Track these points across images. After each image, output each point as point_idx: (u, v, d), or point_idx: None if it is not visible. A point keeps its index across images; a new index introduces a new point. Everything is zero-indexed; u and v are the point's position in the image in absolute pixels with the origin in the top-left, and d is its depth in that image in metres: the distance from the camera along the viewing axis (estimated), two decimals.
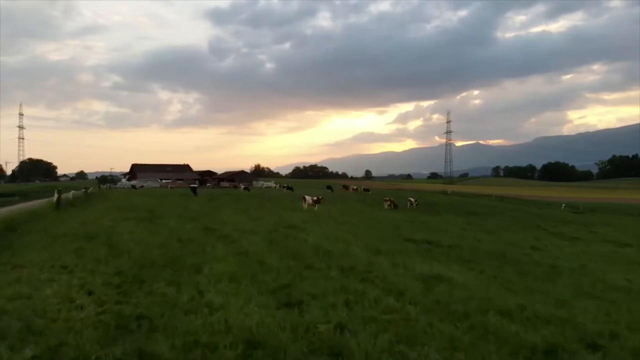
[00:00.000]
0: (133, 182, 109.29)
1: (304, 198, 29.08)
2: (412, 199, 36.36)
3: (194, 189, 42.64)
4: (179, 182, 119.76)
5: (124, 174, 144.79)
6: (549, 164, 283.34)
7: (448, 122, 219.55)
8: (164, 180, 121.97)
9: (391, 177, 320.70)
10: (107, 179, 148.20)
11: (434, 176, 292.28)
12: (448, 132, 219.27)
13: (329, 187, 58.51)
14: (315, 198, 29.28)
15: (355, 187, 56.75)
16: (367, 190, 54.86)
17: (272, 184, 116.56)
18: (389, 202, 33.57)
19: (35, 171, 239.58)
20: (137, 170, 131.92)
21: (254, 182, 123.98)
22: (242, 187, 64.45)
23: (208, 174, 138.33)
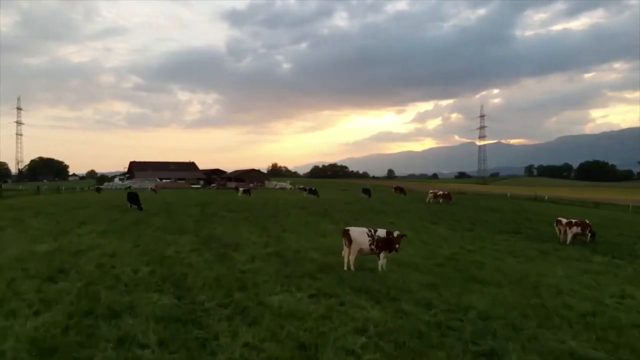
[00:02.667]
0: (113, 183, 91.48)
1: (348, 236, 9.08)
2: (576, 222, 15.66)
3: (132, 198, 22.95)
4: (179, 182, 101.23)
5: (124, 174, 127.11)
6: (587, 162, 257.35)
7: (481, 116, 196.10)
8: (164, 180, 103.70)
9: (412, 177, 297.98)
10: (106, 179, 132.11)
11: (462, 175, 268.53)
12: (482, 128, 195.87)
13: (365, 191, 37.99)
14: (384, 235, 9.18)
15: (440, 192, 33.62)
16: (448, 197, 32.76)
17: (287, 184, 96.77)
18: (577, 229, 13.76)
19: (46, 170, 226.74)
20: (135, 169, 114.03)
21: (266, 183, 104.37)
22: (241, 189, 44.61)
23: (216, 173, 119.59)
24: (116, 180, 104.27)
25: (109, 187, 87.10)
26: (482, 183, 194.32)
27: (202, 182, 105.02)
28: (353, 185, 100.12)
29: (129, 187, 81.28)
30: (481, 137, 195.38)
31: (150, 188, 56.93)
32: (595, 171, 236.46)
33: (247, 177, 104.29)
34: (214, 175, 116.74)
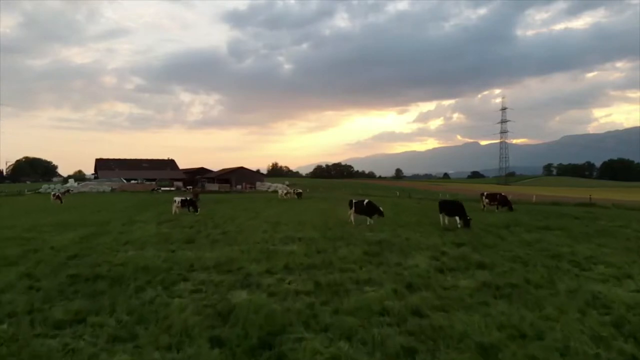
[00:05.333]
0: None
1: None
2: None
3: None
4: (147, 183, 79.46)
5: (93, 174, 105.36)
6: (611, 161, 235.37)
7: (503, 109, 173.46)
8: (132, 181, 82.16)
9: (417, 177, 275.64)
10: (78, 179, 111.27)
11: (475, 175, 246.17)
12: (503, 122, 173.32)
13: (450, 208, 15.19)
14: None
15: None
16: None
17: (283, 186, 74.99)
18: None
19: (31, 171, 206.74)
20: (100, 167, 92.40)
21: (258, 184, 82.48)
22: (178, 200, 22.54)
23: (200, 172, 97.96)
24: (70, 181, 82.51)
25: (48, 190, 65.49)
26: (504, 184, 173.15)
27: (178, 183, 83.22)
28: (368, 187, 77.80)
29: (67, 191, 59.45)
30: (503, 133, 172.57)
31: (54, 195, 35.13)
32: (621, 170, 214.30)
33: (234, 176, 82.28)
34: (198, 175, 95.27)
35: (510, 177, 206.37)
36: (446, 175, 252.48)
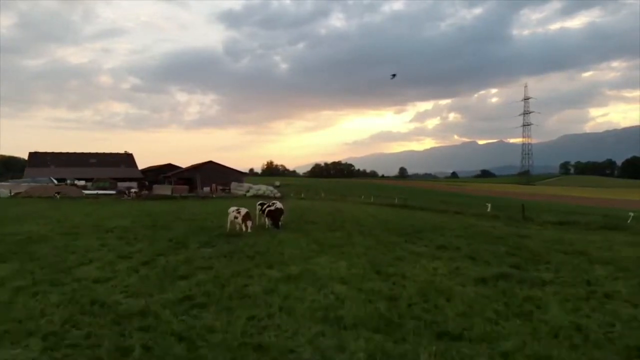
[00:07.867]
0: None
1: None
2: None
3: None
4: (78, 183, 57.22)
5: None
6: (634, 158, 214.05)
7: (525, 99, 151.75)
8: (71, 182, 60.07)
9: (417, 177, 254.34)
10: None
11: (485, 174, 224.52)
12: (526, 114, 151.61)
13: None
14: None
15: None
16: None
17: (271, 190, 52.95)
18: None
19: (6, 170, 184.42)
20: (32, 163, 70.44)
21: (234, 185, 60.13)
22: None
23: (165, 170, 75.91)
24: None
25: None
26: (525, 183, 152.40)
27: (126, 183, 60.98)
28: (377, 187, 54.63)
29: None
30: (526, 125, 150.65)
31: None
32: None
33: (200, 175, 59.88)
34: (162, 174, 73.28)
35: (524, 175, 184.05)
36: (454, 175, 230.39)
